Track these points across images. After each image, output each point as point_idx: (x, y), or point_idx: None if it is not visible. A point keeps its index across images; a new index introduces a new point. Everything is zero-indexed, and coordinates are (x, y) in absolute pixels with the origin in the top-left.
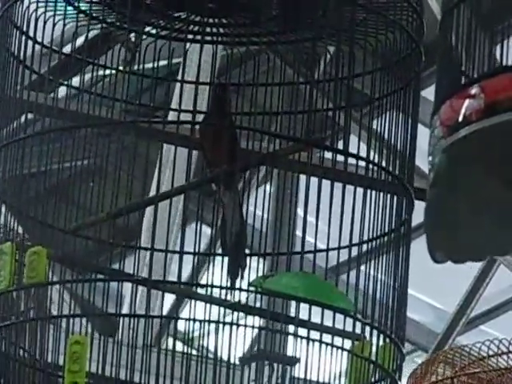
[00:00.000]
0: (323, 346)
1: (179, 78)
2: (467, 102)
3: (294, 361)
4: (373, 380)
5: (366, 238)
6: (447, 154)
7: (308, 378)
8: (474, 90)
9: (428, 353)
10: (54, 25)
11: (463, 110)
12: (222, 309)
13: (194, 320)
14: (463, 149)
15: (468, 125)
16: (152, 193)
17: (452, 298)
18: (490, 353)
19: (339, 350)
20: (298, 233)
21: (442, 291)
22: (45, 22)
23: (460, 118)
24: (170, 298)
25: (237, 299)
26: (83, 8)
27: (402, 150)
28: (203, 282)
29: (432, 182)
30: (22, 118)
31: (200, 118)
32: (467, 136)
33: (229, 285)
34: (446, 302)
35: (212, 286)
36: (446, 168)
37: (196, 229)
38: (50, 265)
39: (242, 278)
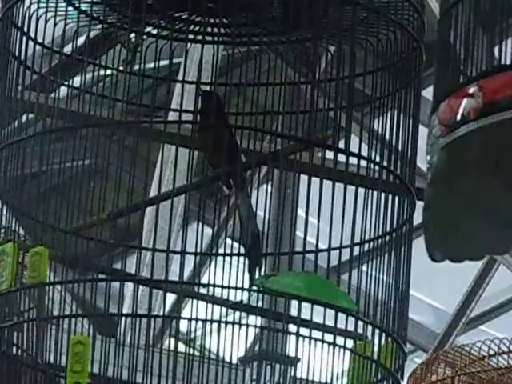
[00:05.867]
0: (325, 345)
1: (180, 78)
2: (465, 100)
3: (294, 361)
4: (375, 379)
5: (367, 237)
6: (445, 153)
7: (310, 377)
8: (472, 89)
9: (428, 353)
10: (55, 25)
11: (461, 109)
12: (223, 308)
13: (196, 320)
14: (461, 147)
15: (466, 124)
16: (153, 193)
17: (452, 298)
18: (491, 352)
19: (341, 350)
20: (299, 233)
21: (442, 291)
22: (46, 23)
23: (458, 117)
24: (170, 298)
25: (239, 299)
26: (84, 8)
27: (404, 150)
28: (204, 281)
29: (430, 180)
30: (23, 119)
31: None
32: (465, 135)
33: (247, 284)
34: (446, 302)
35: (214, 286)
36: (444, 167)
37: (197, 229)
38: (52, 265)
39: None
